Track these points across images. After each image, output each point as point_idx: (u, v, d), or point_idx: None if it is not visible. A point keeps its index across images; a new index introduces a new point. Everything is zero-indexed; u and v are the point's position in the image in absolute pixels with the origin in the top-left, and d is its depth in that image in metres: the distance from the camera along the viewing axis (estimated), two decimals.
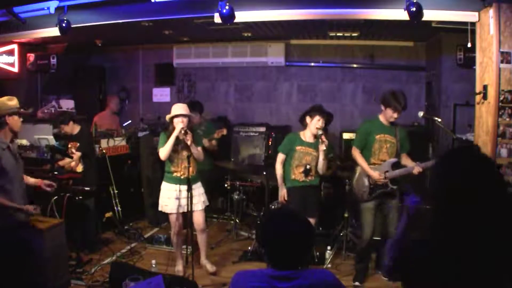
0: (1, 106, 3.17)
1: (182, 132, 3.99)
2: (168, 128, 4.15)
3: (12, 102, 3.25)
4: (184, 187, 4.04)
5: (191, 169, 4.05)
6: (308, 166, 4.21)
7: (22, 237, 3.10)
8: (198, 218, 4.23)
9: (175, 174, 4.16)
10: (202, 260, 4.39)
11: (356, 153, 4.10)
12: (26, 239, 3.14)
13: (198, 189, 4.26)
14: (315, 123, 4.16)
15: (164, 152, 4.08)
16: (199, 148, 4.25)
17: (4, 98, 3.24)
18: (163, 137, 4.15)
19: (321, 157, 4.18)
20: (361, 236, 4.16)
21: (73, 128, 4.88)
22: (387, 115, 3.95)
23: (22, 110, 3.33)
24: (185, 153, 4.11)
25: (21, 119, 3.33)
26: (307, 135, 4.27)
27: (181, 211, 4.16)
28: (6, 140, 3.21)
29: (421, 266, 1.44)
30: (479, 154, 1.56)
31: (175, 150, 4.12)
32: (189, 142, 4.03)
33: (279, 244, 1.82)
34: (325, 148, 4.09)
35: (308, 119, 4.22)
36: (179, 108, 4.11)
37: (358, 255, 4.26)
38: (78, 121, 5.00)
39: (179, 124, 4.02)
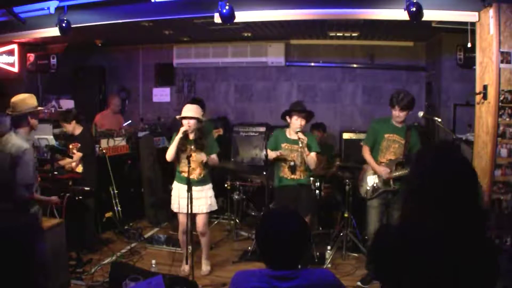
0: (23, 102, 3.20)
1: (182, 136, 4.03)
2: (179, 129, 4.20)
3: (33, 100, 3.28)
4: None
5: (199, 171, 4.14)
6: (292, 163, 4.22)
7: (27, 237, 3.10)
8: (199, 221, 4.25)
9: (182, 174, 4.17)
10: (202, 261, 4.40)
11: (365, 150, 4.20)
12: (31, 239, 3.14)
13: (206, 192, 4.26)
14: (294, 123, 4.20)
15: (168, 154, 4.16)
16: (214, 156, 4.25)
17: (26, 95, 3.26)
18: (174, 137, 4.21)
19: (305, 152, 4.17)
20: (367, 234, 4.23)
21: (75, 129, 4.89)
22: (393, 115, 4.03)
23: (40, 109, 3.37)
24: (193, 154, 4.13)
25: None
26: (292, 132, 4.30)
27: (185, 211, 4.16)
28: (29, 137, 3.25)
29: (391, 254, 1.43)
30: (451, 148, 1.58)
31: (183, 150, 4.14)
32: (191, 136, 4.09)
33: (276, 244, 1.81)
34: (301, 145, 4.13)
35: (288, 118, 4.27)
36: (187, 110, 4.12)
37: (367, 255, 4.29)
38: (80, 122, 5.01)
39: (183, 127, 4.05)
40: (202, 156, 4.11)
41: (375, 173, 4.12)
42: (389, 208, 4.13)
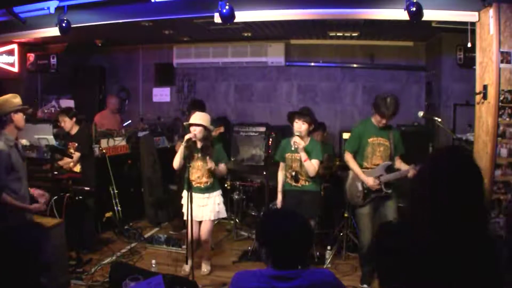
0: (6, 103, 3.20)
1: (185, 145, 4.03)
2: (179, 130, 4.21)
3: (16, 99, 3.27)
4: (195, 195, 4.05)
5: (205, 179, 4.15)
6: (293, 173, 4.18)
7: (32, 236, 3.10)
8: (203, 228, 4.24)
9: (191, 182, 4.15)
10: (202, 261, 4.40)
11: (348, 158, 4.04)
12: (36, 238, 3.13)
13: (214, 198, 4.24)
14: (294, 126, 4.13)
15: (175, 162, 4.17)
16: (222, 165, 4.24)
17: (8, 96, 3.26)
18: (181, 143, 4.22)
19: (302, 158, 4.04)
20: (360, 240, 4.11)
21: (73, 127, 4.89)
22: (376, 119, 3.95)
23: (25, 107, 3.35)
24: (200, 163, 4.14)
25: (24, 117, 3.35)
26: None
27: (195, 219, 4.14)
28: (13, 137, 3.23)
29: (405, 264, 1.43)
30: (464, 155, 1.58)
31: (190, 158, 4.12)
32: (198, 144, 4.08)
33: (278, 244, 1.81)
34: (293, 148, 4.06)
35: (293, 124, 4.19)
36: (195, 117, 4.13)
37: (362, 258, 4.19)
38: (79, 121, 5.01)
39: (188, 134, 4.06)
40: (210, 164, 4.07)
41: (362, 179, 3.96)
42: (378, 209, 4.00)
